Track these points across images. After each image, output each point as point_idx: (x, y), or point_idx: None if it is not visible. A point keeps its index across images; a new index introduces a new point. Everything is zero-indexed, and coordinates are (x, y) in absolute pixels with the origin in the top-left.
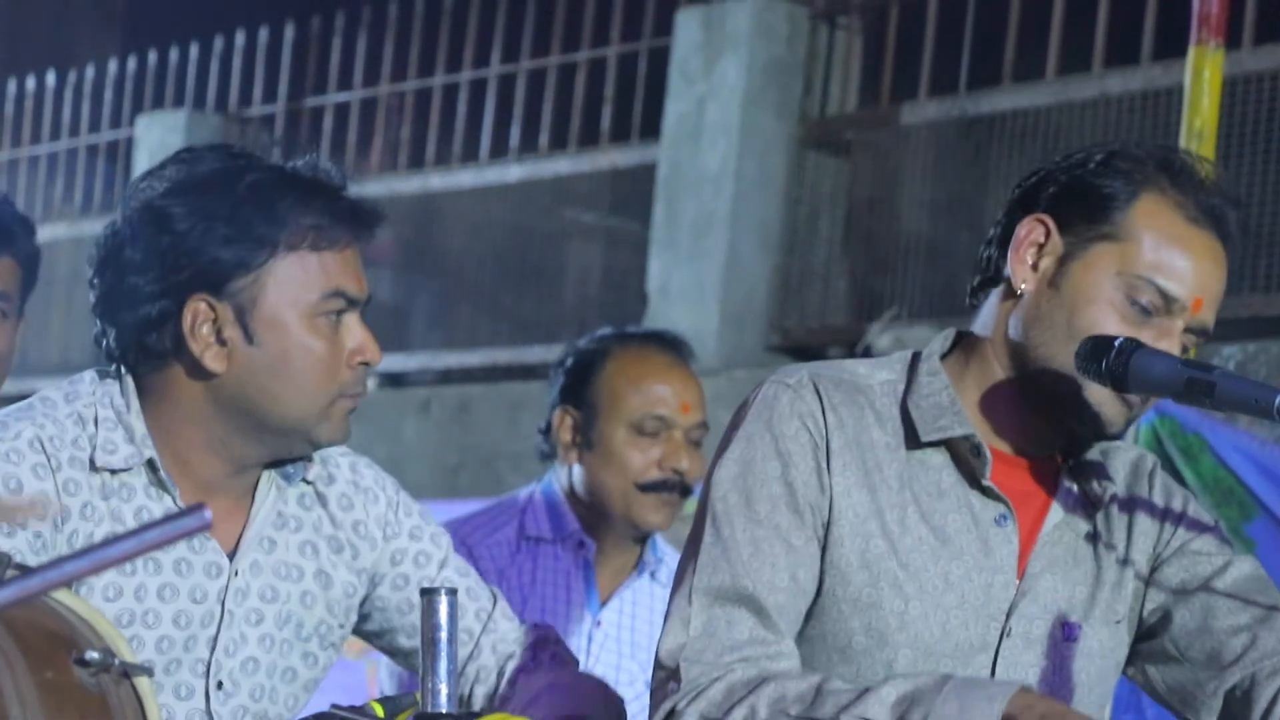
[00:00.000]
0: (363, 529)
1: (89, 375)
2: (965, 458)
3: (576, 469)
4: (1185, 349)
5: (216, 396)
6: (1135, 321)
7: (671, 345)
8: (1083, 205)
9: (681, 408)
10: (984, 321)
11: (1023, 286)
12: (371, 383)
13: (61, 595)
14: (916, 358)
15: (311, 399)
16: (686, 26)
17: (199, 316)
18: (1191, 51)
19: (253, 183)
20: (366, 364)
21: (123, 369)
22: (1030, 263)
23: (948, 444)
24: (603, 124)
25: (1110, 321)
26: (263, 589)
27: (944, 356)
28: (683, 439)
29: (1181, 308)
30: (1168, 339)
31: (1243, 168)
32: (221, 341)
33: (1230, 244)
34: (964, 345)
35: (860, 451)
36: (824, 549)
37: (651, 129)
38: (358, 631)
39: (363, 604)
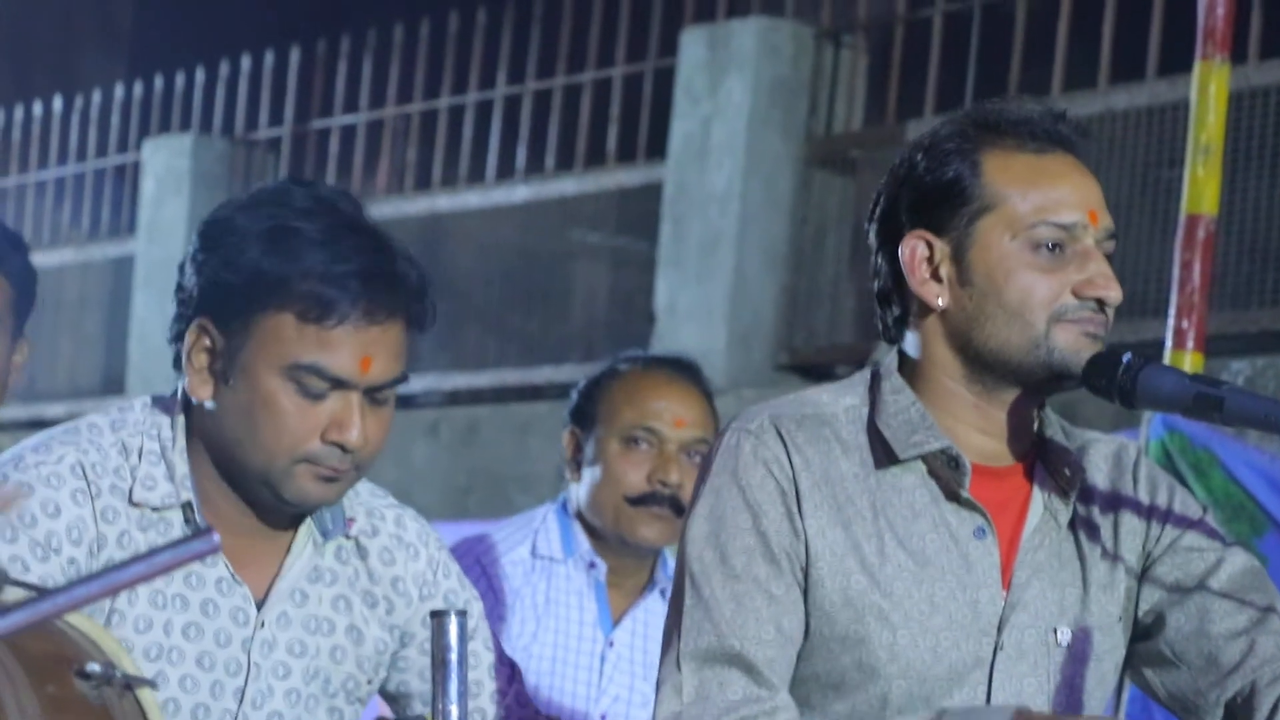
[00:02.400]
0: (400, 585)
1: (141, 402)
2: (941, 472)
3: (577, 486)
4: (1108, 256)
5: (207, 428)
6: (1053, 265)
7: (677, 365)
8: (941, 201)
9: (675, 422)
10: (913, 345)
11: (939, 302)
12: None
13: None
14: (875, 378)
15: (270, 455)
16: (691, 46)
17: (198, 341)
18: (1197, 66)
19: (289, 229)
20: (340, 444)
21: (177, 394)
22: (930, 277)
23: (923, 460)
24: (609, 144)
25: (1035, 281)
26: (290, 643)
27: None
28: (675, 453)
29: (1083, 226)
30: (1094, 261)
31: (1249, 182)
32: (212, 372)
33: (1078, 149)
34: (905, 367)
35: (830, 488)
36: (805, 592)
37: (657, 149)
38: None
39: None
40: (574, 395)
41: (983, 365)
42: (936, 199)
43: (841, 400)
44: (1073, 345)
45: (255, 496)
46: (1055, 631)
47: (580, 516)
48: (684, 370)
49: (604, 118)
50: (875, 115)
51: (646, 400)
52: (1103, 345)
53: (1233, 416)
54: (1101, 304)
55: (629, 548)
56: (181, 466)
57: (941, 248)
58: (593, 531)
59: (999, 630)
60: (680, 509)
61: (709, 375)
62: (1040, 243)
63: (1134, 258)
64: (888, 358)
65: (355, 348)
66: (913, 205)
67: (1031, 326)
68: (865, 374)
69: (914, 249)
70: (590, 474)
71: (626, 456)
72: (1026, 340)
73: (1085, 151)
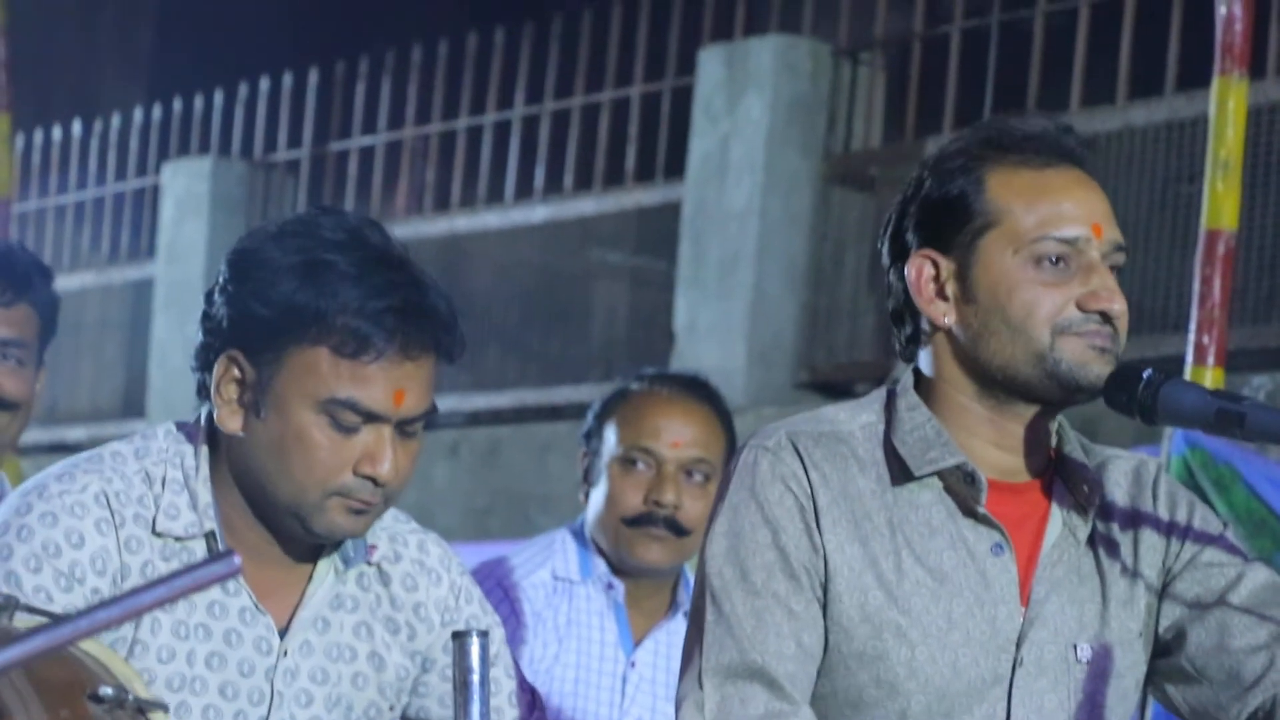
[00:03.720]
0: (423, 611)
1: (164, 430)
2: (957, 488)
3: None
4: (1117, 269)
5: (234, 458)
6: (1056, 279)
7: (682, 383)
8: (946, 219)
9: (672, 442)
10: (926, 363)
11: (945, 320)
12: None
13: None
14: (891, 395)
15: (301, 490)
16: (709, 65)
17: (227, 372)
18: (1215, 82)
19: (323, 263)
20: (373, 478)
21: (201, 421)
22: (936, 296)
23: (939, 476)
24: (627, 163)
25: (1038, 295)
26: (313, 670)
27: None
28: (673, 473)
29: (1086, 240)
30: (1097, 274)
31: (1269, 197)
32: (241, 404)
33: (1086, 163)
34: (920, 385)
35: (848, 504)
36: (824, 607)
37: (676, 168)
38: None
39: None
40: (588, 416)
41: (992, 381)
42: (941, 217)
43: (858, 418)
44: (1079, 358)
45: (282, 527)
46: (1075, 648)
47: (594, 538)
48: (689, 388)
49: (622, 137)
50: (894, 132)
51: (645, 420)
52: (1112, 358)
53: (1254, 432)
54: (1106, 317)
55: (632, 568)
56: (205, 495)
57: (947, 266)
58: (604, 552)
59: (1018, 646)
60: (678, 529)
61: (729, 394)
62: (1043, 257)
63: (1154, 273)
64: (904, 376)
65: (389, 383)
66: (919, 224)
67: (1036, 341)
68: (882, 392)
69: (920, 268)
70: (595, 495)
71: (624, 477)
72: (1031, 355)
73: (1093, 165)
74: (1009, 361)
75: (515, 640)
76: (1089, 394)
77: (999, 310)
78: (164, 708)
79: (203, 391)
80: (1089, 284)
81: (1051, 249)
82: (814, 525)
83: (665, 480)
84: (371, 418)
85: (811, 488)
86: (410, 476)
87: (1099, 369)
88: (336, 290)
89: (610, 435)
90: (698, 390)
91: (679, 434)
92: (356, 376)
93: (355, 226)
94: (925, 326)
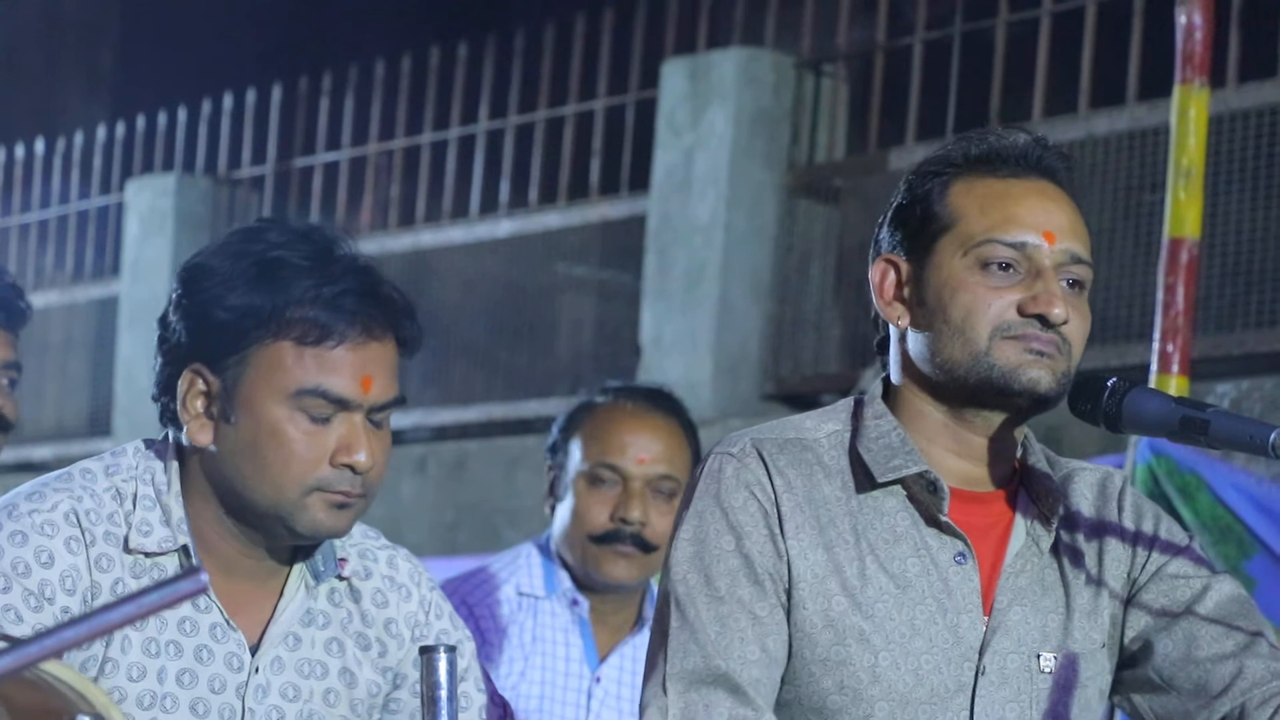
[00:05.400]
0: (393, 627)
1: (133, 447)
2: (921, 496)
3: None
4: (1076, 284)
5: (209, 471)
6: (1001, 283)
7: (647, 396)
8: (910, 220)
9: (638, 459)
10: (893, 370)
11: (900, 322)
12: None
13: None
14: (859, 404)
15: (280, 488)
16: (672, 78)
17: (192, 386)
18: (1177, 91)
19: (274, 260)
20: (351, 466)
21: (169, 438)
22: (894, 299)
23: (903, 484)
24: (592, 177)
25: (979, 298)
26: (284, 687)
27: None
28: (640, 489)
29: (1036, 246)
30: (1042, 280)
31: (1230, 206)
32: (210, 415)
33: (1058, 176)
34: (888, 394)
35: (813, 510)
36: (788, 613)
37: (640, 181)
38: None
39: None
40: (553, 429)
41: (942, 385)
42: (906, 223)
43: (824, 425)
44: (1012, 361)
45: (264, 534)
46: (1038, 658)
47: (559, 553)
48: (654, 402)
49: (586, 150)
50: (857, 144)
51: (610, 436)
52: (1055, 365)
53: (1219, 439)
54: (1046, 322)
55: (599, 585)
56: (177, 510)
57: (906, 269)
58: (569, 568)
59: (980, 655)
60: (645, 546)
61: (695, 406)
62: (989, 260)
63: (1118, 282)
64: (873, 384)
65: (355, 367)
66: (889, 229)
67: (974, 343)
68: (849, 401)
69: (883, 272)
70: (561, 510)
71: (591, 494)
72: (969, 356)
73: (1068, 179)
74: (950, 363)
75: (481, 657)
76: (1027, 399)
77: (943, 311)
78: None
79: (166, 416)
80: (1032, 289)
81: (997, 253)
82: (778, 531)
83: (632, 497)
84: (342, 405)
85: (776, 494)
86: (385, 468)
87: (1034, 373)
88: (290, 284)
89: (576, 450)
90: (663, 404)
91: (645, 449)
92: (322, 364)
93: (300, 227)
94: (892, 331)
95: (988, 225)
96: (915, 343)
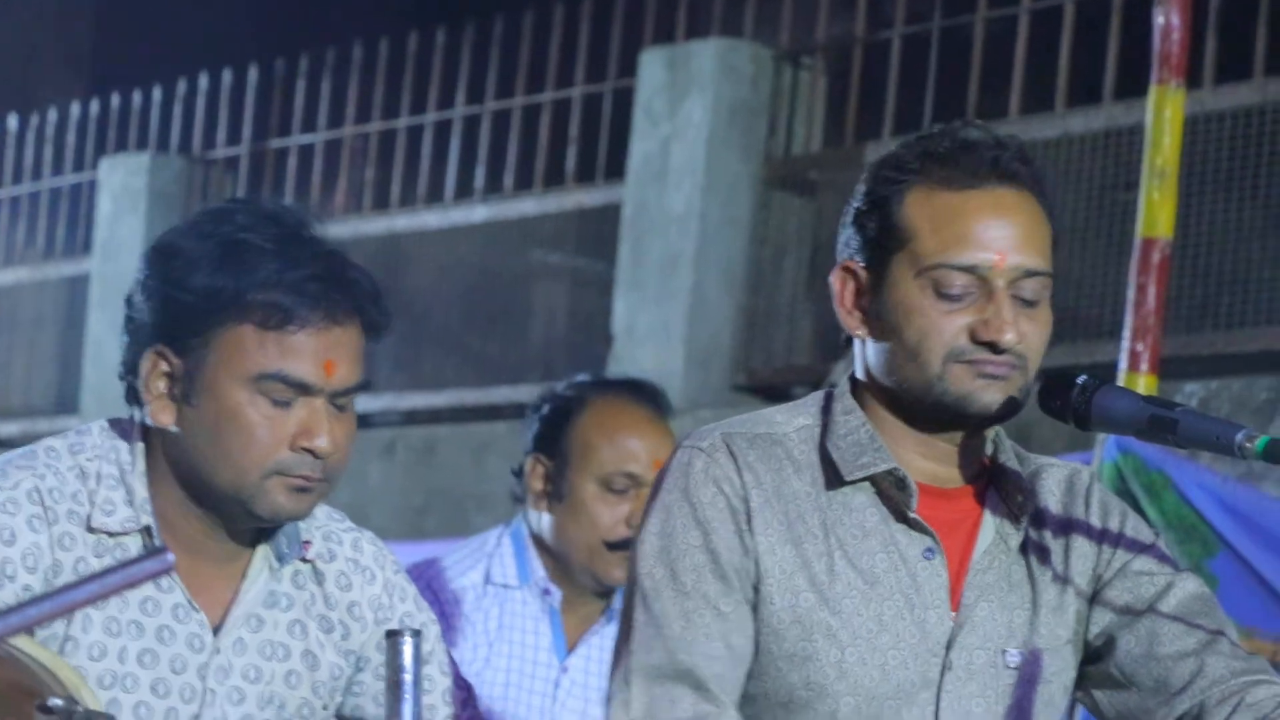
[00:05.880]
0: (356, 610)
1: (98, 426)
2: (890, 493)
3: (546, 518)
4: (1030, 302)
5: (171, 453)
6: (954, 307)
7: (649, 397)
8: (868, 226)
9: (653, 465)
10: (858, 369)
11: (858, 332)
12: None
13: (23, 643)
14: (829, 398)
15: (240, 472)
16: (651, 67)
17: (155, 367)
18: (1153, 91)
19: (239, 242)
20: (311, 450)
21: (135, 418)
22: (854, 307)
23: (871, 481)
24: (568, 164)
25: (933, 323)
26: (246, 668)
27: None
28: None
29: (989, 268)
30: (994, 303)
31: (1204, 206)
32: (172, 397)
33: (1019, 181)
34: (857, 390)
35: (782, 505)
36: (755, 609)
37: (616, 169)
38: None
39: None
40: (537, 422)
41: (900, 399)
42: (864, 229)
43: (794, 420)
44: (965, 387)
45: (225, 516)
46: (1004, 653)
47: (540, 544)
48: (655, 403)
49: (563, 138)
50: (834, 137)
51: (624, 441)
52: (1009, 386)
53: (1186, 438)
54: (996, 347)
55: (596, 585)
56: (141, 490)
57: (865, 279)
58: (553, 560)
59: (947, 650)
60: None
61: (667, 396)
62: (941, 283)
63: (1089, 281)
64: (842, 380)
65: (317, 352)
66: (850, 232)
67: (927, 367)
68: (820, 395)
69: (843, 280)
70: (562, 510)
71: (605, 500)
72: (923, 380)
73: (1030, 179)
74: (902, 382)
75: (445, 643)
76: (982, 421)
77: (897, 331)
78: (111, 719)
79: (131, 396)
80: (984, 312)
81: (949, 277)
82: (746, 527)
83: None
84: (303, 389)
85: (745, 489)
86: (348, 453)
87: (988, 398)
88: (255, 266)
89: (582, 452)
90: (661, 403)
91: (659, 455)
92: (284, 349)
93: (269, 209)
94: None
95: (939, 246)
96: (874, 354)
